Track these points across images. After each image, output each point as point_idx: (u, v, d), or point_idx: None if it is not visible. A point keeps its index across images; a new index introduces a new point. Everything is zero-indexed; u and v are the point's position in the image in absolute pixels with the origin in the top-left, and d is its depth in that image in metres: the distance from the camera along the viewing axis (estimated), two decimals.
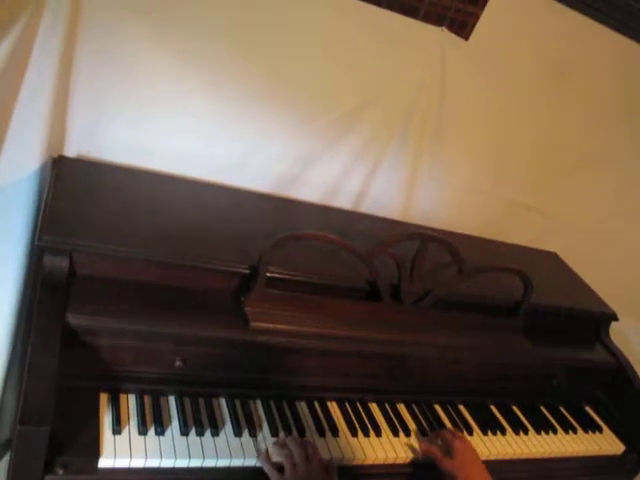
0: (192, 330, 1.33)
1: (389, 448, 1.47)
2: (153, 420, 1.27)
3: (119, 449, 1.19)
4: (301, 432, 1.40)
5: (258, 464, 1.30)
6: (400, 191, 2.06)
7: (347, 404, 1.54)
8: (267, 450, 1.32)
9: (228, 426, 1.34)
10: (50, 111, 1.53)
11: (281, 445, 1.33)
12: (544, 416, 1.81)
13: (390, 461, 1.46)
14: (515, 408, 1.79)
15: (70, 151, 1.66)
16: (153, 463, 1.21)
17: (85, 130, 1.64)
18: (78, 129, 1.64)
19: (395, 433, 1.52)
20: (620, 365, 1.91)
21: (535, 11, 1.88)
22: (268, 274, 1.42)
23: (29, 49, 1.45)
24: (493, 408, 1.76)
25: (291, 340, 1.43)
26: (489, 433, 1.65)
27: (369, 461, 1.43)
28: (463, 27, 1.83)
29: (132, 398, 1.31)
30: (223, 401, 1.40)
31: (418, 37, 1.81)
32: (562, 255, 2.31)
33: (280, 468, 1.29)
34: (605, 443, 1.82)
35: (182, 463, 1.23)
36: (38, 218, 1.50)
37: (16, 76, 1.46)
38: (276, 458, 1.31)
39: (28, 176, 1.56)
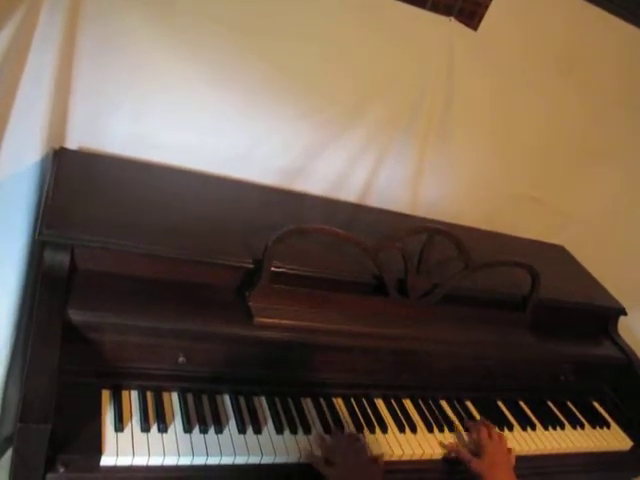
0: (195, 326, 1.31)
1: (395, 445, 1.45)
2: (156, 417, 1.25)
3: (121, 447, 1.17)
4: (306, 429, 1.38)
5: (263, 461, 1.29)
6: (406, 184, 2.04)
7: (353, 400, 1.52)
8: (311, 448, 1.34)
9: (232, 423, 1.32)
10: (51, 102, 1.51)
11: (330, 439, 1.35)
12: (551, 412, 1.80)
13: (396, 458, 1.44)
14: (522, 404, 1.77)
15: (71, 143, 1.63)
16: (156, 461, 1.19)
17: (87, 121, 1.62)
18: (80, 120, 1.61)
19: (401, 429, 1.50)
20: (628, 360, 1.90)
21: (544, 2, 1.85)
22: (273, 268, 1.40)
23: (29, 39, 1.43)
24: (500, 404, 1.74)
25: (296, 335, 1.41)
26: (496, 429, 1.63)
27: None
28: (472, 17, 1.79)
29: (134, 395, 1.29)
30: (227, 398, 1.38)
31: (425, 27, 1.78)
32: (569, 248, 2.28)
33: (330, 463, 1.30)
34: (613, 439, 1.80)
35: (185, 461, 1.22)
36: (39, 211, 1.47)
37: (16, 67, 1.44)
38: (325, 454, 1.32)
39: (29, 168, 1.55)
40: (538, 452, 1.65)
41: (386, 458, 1.43)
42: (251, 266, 1.40)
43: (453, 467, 1.50)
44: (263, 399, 1.42)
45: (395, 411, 1.55)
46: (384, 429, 1.48)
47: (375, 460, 1.36)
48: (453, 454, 1.49)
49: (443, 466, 1.50)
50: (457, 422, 1.60)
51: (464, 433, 1.56)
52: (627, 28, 1.98)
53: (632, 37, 2.00)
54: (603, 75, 2.07)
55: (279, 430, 1.35)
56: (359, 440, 1.38)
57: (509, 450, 1.52)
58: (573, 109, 2.12)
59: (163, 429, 1.24)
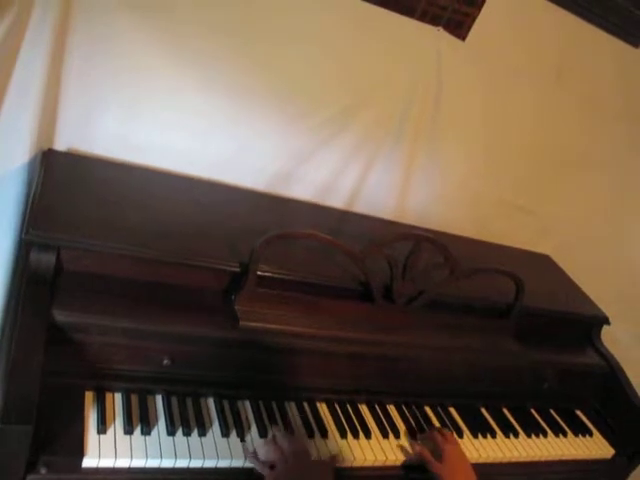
0: (181, 328, 1.31)
1: (378, 450, 1.46)
2: (139, 419, 1.25)
3: (104, 449, 1.17)
4: (290, 433, 1.38)
5: (246, 465, 1.29)
6: (394, 191, 2.05)
7: (337, 405, 1.52)
8: (254, 448, 1.30)
9: (216, 426, 1.32)
10: (40, 104, 1.51)
11: (269, 442, 1.31)
12: (534, 419, 1.81)
13: (379, 463, 1.44)
14: (506, 411, 1.78)
15: (60, 145, 1.63)
16: (138, 463, 1.19)
17: (76, 123, 1.62)
18: (69, 122, 1.61)
19: (385, 435, 1.50)
20: (611, 369, 1.91)
21: (532, 13, 1.88)
22: (259, 273, 1.40)
23: (19, 42, 1.43)
24: (484, 411, 1.75)
25: (281, 340, 1.42)
26: (479, 436, 1.64)
27: (358, 463, 1.41)
28: (460, 27, 1.82)
29: (118, 397, 1.28)
30: (211, 401, 1.38)
31: (414, 36, 1.79)
32: (555, 257, 2.30)
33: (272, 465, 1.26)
34: (595, 447, 1.82)
35: (168, 463, 1.21)
36: (26, 212, 1.47)
37: (5, 68, 1.44)
38: (266, 455, 1.28)
39: (17, 169, 1.55)
40: (521, 459, 1.65)
41: (370, 464, 1.43)
42: (237, 270, 1.40)
43: None
44: (247, 403, 1.41)
45: (379, 417, 1.55)
46: (368, 435, 1.48)
47: (325, 461, 1.35)
48: (416, 456, 1.47)
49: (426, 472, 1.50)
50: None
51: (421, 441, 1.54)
52: (613, 41, 2.02)
53: (619, 49, 2.04)
54: (592, 85, 2.10)
55: (262, 434, 1.35)
56: (298, 441, 1.34)
57: None
58: (562, 118, 2.15)
59: (146, 431, 1.24)
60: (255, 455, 1.29)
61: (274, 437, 1.32)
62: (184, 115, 1.69)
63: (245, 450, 1.30)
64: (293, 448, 1.27)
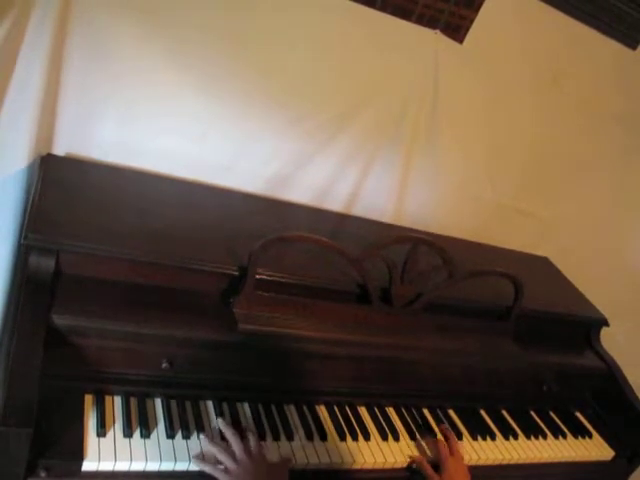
0: (179, 331, 1.32)
1: (377, 453, 1.46)
2: (139, 422, 1.25)
3: (103, 452, 1.17)
4: (289, 436, 1.38)
5: None
6: (392, 194, 2.05)
7: (336, 408, 1.52)
8: (201, 451, 1.25)
9: (215, 429, 1.32)
10: (39, 109, 1.52)
11: (218, 443, 1.27)
12: (534, 421, 1.81)
13: (378, 466, 1.44)
14: (505, 413, 1.78)
15: (58, 149, 1.64)
16: (138, 466, 1.19)
17: (74, 128, 1.63)
18: (67, 127, 1.62)
19: (384, 437, 1.50)
20: (610, 370, 1.91)
21: (529, 16, 1.88)
22: (257, 276, 1.40)
23: (18, 46, 1.44)
24: (483, 413, 1.75)
25: (280, 343, 1.42)
26: (479, 438, 1.64)
27: (357, 465, 1.42)
28: (457, 30, 1.82)
29: (118, 400, 1.29)
30: (210, 404, 1.38)
31: (411, 39, 1.80)
32: (554, 259, 2.31)
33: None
34: (594, 448, 1.82)
35: (167, 466, 1.21)
36: (25, 216, 1.48)
37: (4, 73, 1.45)
38: (217, 457, 1.24)
39: (16, 174, 1.55)
40: (520, 461, 1.65)
41: (369, 466, 1.43)
42: (236, 273, 1.41)
43: None
44: (246, 405, 1.42)
45: (378, 419, 1.55)
46: (367, 437, 1.48)
47: (279, 463, 1.31)
48: (415, 465, 1.48)
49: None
50: (438, 432, 1.60)
51: (425, 446, 1.54)
52: (611, 43, 2.02)
53: (617, 51, 2.04)
54: (589, 87, 2.11)
55: (262, 437, 1.35)
56: (250, 438, 1.30)
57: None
58: (559, 120, 2.15)
59: (146, 434, 1.24)
60: (201, 458, 1.24)
61: (222, 437, 1.29)
62: (182, 119, 1.70)
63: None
64: (245, 448, 1.25)
